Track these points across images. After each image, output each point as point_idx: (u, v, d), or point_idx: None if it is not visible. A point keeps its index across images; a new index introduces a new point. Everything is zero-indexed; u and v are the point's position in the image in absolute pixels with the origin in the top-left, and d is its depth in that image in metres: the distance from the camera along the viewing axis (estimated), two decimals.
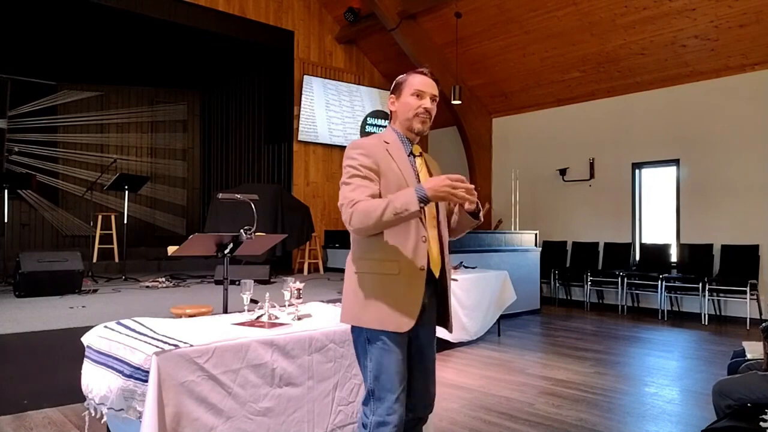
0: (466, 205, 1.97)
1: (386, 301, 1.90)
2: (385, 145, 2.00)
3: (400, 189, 1.89)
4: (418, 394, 2.05)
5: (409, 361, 1.99)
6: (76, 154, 10.06)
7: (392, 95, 2.08)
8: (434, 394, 2.13)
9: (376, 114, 10.36)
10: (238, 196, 3.75)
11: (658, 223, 8.14)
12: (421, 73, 2.05)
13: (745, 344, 2.96)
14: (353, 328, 2.01)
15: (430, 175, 2.08)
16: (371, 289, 1.93)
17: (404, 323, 1.89)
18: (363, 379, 2.00)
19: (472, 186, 1.83)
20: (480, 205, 2.01)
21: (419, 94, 2.02)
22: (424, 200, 1.77)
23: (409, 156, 2.04)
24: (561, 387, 4.14)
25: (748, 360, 2.78)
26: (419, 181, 1.96)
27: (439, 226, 2.05)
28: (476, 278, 5.71)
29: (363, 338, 1.96)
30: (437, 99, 2.07)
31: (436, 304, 2.06)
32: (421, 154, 2.10)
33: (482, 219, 2.07)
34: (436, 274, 2.00)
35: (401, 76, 2.09)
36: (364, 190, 1.89)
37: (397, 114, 2.07)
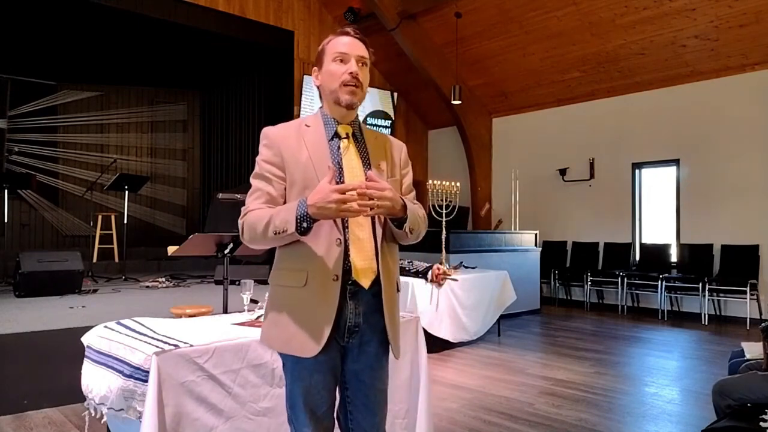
0: (347, 216, 1.53)
1: (292, 319, 1.59)
2: (303, 130, 1.66)
3: (306, 184, 1.59)
4: (361, 430, 1.70)
5: (345, 389, 1.70)
6: (76, 154, 10.06)
7: (315, 67, 1.72)
8: (382, 418, 1.74)
9: (376, 114, 10.36)
10: (238, 196, 3.75)
11: (658, 223, 8.14)
12: (344, 33, 1.68)
13: (744, 345, 2.96)
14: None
15: (364, 159, 1.68)
16: (279, 305, 1.64)
17: (308, 347, 1.57)
18: None
19: (378, 189, 1.49)
20: (406, 212, 1.60)
21: (343, 58, 1.64)
22: (305, 218, 1.48)
23: (331, 139, 1.67)
24: (561, 387, 4.14)
25: (748, 360, 2.78)
26: (341, 170, 1.63)
27: (374, 224, 1.65)
28: (476, 278, 5.71)
29: (282, 359, 1.71)
30: (368, 62, 1.69)
31: (378, 320, 1.65)
32: (348, 136, 1.68)
33: (407, 232, 1.62)
34: (365, 284, 1.61)
35: (322, 43, 1.74)
36: (259, 195, 1.63)
37: (322, 88, 1.70)
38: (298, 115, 9.48)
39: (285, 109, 9.62)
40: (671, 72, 7.65)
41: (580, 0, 7.29)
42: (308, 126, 1.68)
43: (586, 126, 8.73)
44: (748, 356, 2.84)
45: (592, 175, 8.66)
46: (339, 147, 1.67)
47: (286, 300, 1.63)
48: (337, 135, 1.68)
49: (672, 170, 7.89)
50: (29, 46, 8.62)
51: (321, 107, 1.74)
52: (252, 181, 1.67)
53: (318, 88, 1.72)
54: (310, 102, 9.60)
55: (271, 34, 9.22)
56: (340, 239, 1.59)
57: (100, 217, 8.35)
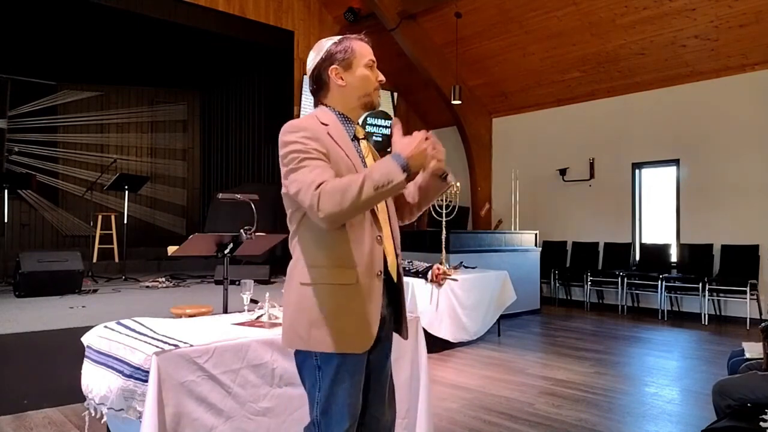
0: (433, 165, 1.61)
1: (343, 317, 1.58)
2: (324, 128, 1.65)
3: None
4: (374, 421, 1.75)
5: (366, 381, 1.72)
6: (76, 154, 10.06)
7: (334, 66, 1.69)
8: (393, 419, 1.81)
9: (376, 114, 10.35)
10: (238, 196, 3.75)
11: (658, 223, 8.14)
12: (364, 40, 1.74)
13: (745, 345, 2.96)
14: (298, 353, 1.68)
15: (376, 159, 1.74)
16: (323, 304, 1.59)
17: (365, 342, 1.60)
18: (309, 406, 1.68)
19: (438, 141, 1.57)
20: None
21: (372, 65, 1.73)
22: (405, 169, 1.48)
23: (352, 140, 1.72)
24: (561, 387, 4.14)
25: (748, 359, 2.78)
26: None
27: (391, 222, 1.74)
28: (476, 278, 5.71)
29: (312, 364, 1.63)
30: None
31: (392, 312, 1.76)
32: (365, 137, 1.78)
33: (451, 182, 1.75)
34: (394, 278, 1.72)
35: (331, 42, 1.73)
36: (323, 170, 1.55)
37: (345, 89, 1.70)
38: (298, 115, 9.47)
39: (285, 109, 9.62)
40: (671, 72, 7.65)
41: (580, 0, 7.29)
42: (326, 124, 1.66)
43: (586, 126, 8.73)
44: (748, 355, 2.84)
45: (592, 175, 8.66)
46: (360, 147, 1.73)
47: (334, 298, 1.60)
48: (354, 136, 1.73)
49: (672, 170, 7.89)
50: (29, 46, 8.62)
51: (327, 106, 1.73)
52: (304, 163, 1.55)
53: (334, 87, 1.71)
54: (310, 102, 9.57)
55: (271, 34, 9.22)
56: (380, 236, 1.65)
57: (100, 217, 8.35)
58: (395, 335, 1.83)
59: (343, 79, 1.70)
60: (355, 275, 1.59)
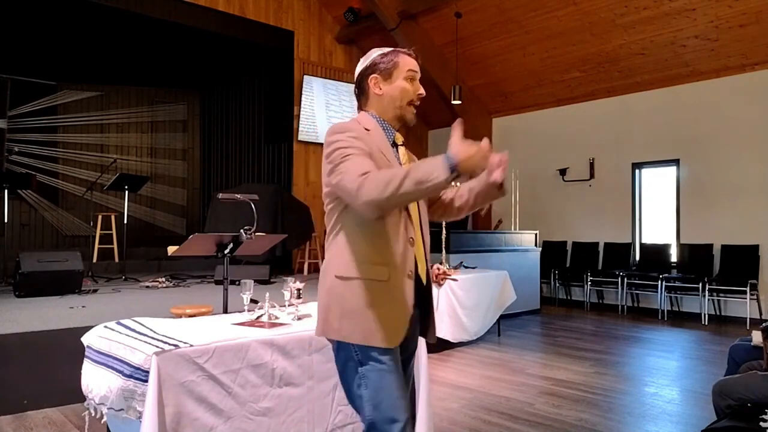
0: (497, 176, 1.62)
1: (376, 311, 1.62)
2: (366, 132, 1.69)
3: None
4: None
5: None
6: (76, 154, 10.06)
7: (375, 75, 1.75)
8: (414, 416, 1.84)
9: None
10: (238, 196, 3.75)
11: (658, 223, 8.14)
12: (408, 54, 1.78)
13: (754, 333, 2.93)
14: (338, 346, 1.69)
15: None
16: (358, 297, 1.63)
17: (394, 337, 1.64)
18: (356, 410, 1.66)
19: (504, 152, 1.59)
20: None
21: (414, 77, 1.77)
22: (453, 170, 1.45)
23: (392, 146, 1.77)
24: (561, 387, 4.14)
25: (755, 346, 2.79)
26: None
27: (422, 227, 1.78)
28: (476, 278, 5.71)
29: (352, 359, 1.65)
30: None
31: (420, 314, 1.79)
32: (403, 144, 1.82)
33: (506, 192, 1.76)
34: (424, 281, 1.76)
35: (378, 52, 1.77)
36: (370, 164, 1.58)
37: (382, 98, 1.75)
38: (298, 115, 9.49)
39: (285, 109, 9.63)
40: (671, 72, 7.65)
41: (580, 0, 7.29)
42: (368, 129, 1.70)
43: (586, 126, 8.73)
44: (754, 342, 2.84)
45: (592, 175, 8.66)
46: (398, 154, 1.77)
47: (368, 292, 1.63)
48: (394, 143, 1.78)
49: (672, 170, 7.89)
50: (29, 46, 8.62)
51: (369, 112, 1.77)
52: (349, 158, 1.58)
53: (372, 95, 1.77)
54: (310, 102, 9.61)
55: (271, 34, 9.22)
56: (412, 239, 1.70)
57: (100, 217, 8.35)
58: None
59: (380, 89, 1.75)
60: (388, 272, 1.64)
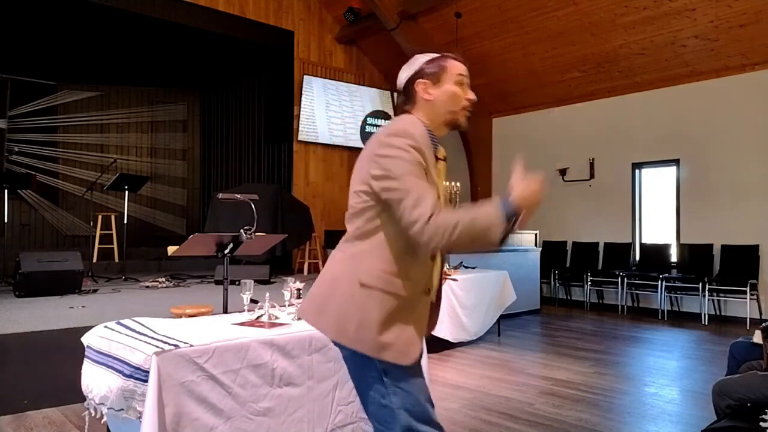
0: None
1: (393, 327, 1.58)
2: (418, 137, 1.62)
3: None
4: None
5: None
6: (76, 154, 10.06)
7: (423, 80, 1.68)
8: None
9: (376, 114, 10.36)
10: (238, 196, 3.75)
11: (658, 223, 8.14)
12: (457, 58, 1.72)
13: (757, 331, 2.93)
14: (358, 366, 1.63)
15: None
16: (376, 309, 1.57)
17: (411, 355, 1.60)
18: (381, 423, 1.60)
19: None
20: None
21: (463, 82, 1.70)
22: (511, 218, 1.44)
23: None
24: (561, 387, 4.14)
25: (754, 344, 2.79)
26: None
27: None
28: (476, 278, 5.71)
29: (373, 368, 1.59)
30: None
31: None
32: (445, 158, 1.75)
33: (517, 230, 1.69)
34: (433, 299, 1.74)
35: (425, 58, 1.72)
36: (432, 194, 1.51)
37: (433, 104, 1.67)
38: (298, 115, 9.49)
39: (285, 109, 9.63)
40: (671, 72, 7.65)
41: (580, 0, 7.29)
42: (420, 136, 1.62)
43: (586, 126, 8.72)
44: (755, 340, 2.84)
45: (592, 175, 8.66)
46: (437, 168, 1.69)
47: (387, 306, 1.58)
48: (435, 156, 1.69)
49: (672, 170, 7.89)
50: (29, 46, 8.63)
51: (418, 118, 1.67)
52: (408, 179, 1.50)
53: (420, 100, 1.69)
54: (310, 102, 9.61)
55: (271, 34, 9.22)
56: (434, 255, 1.67)
57: (100, 217, 8.35)
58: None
59: (430, 94, 1.68)
60: (410, 288, 1.60)
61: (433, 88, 1.68)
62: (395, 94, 10.52)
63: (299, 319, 2.70)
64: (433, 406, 1.63)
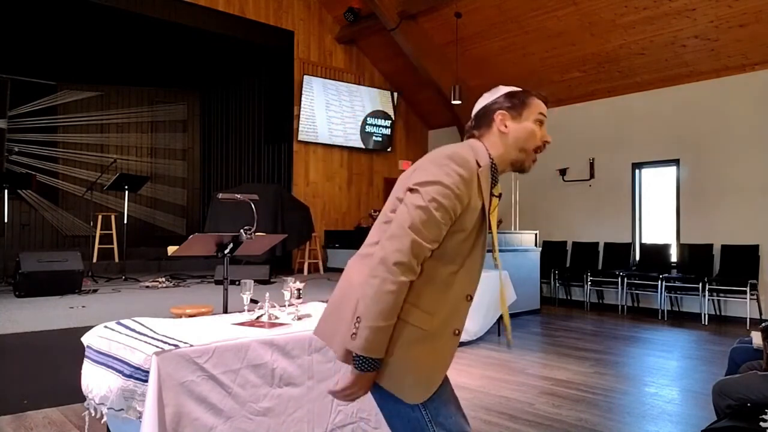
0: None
1: (414, 362, 1.48)
2: (477, 169, 1.49)
3: (479, 233, 1.52)
4: None
5: None
6: (76, 154, 10.06)
7: (503, 111, 1.59)
8: None
9: (376, 114, 10.36)
10: (238, 196, 3.75)
11: (658, 223, 8.14)
12: (541, 96, 1.63)
13: (753, 334, 2.94)
14: (384, 399, 1.53)
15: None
16: (399, 342, 1.46)
17: (430, 388, 1.51)
18: None
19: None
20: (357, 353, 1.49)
21: (543, 121, 1.60)
22: (363, 365, 1.41)
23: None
24: (561, 387, 4.14)
25: (754, 349, 2.79)
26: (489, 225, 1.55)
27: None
28: None
29: (406, 411, 1.51)
30: None
31: None
32: (499, 196, 1.62)
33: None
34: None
35: (511, 90, 1.63)
36: (437, 236, 1.43)
37: (507, 137, 1.57)
38: (298, 115, 9.49)
39: (285, 109, 9.63)
40: (671, 72, 7.65)
41: (580, 0, 7.29)
42: (480, 167, 1.51)
43: (586, 126, 8.73)
44: (754, 341, 2.84)
45: (592, 175, 8.66)
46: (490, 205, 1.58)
47: (408, 339, 1.47)
48: (491, 193, 1.58)
49: (672, 170, 7.89)
50: (29, 46, 8.63)
51: (487, 148, 1.57)
52: (434, 211, 1.41)
53: (495, 130, 1.59)
54: (310, 102, 9.61)
55: (271, 34, 9.23)
56: (470, 296, 1.56)
57: (100, 217, 8.35)
58: None
59: (507, 127, 1.58)
60: (435, 324, 1.49)
61: (511, 122, 1.58)
62: (395, 94, 10.53)
63: (299, 319, 2.70)
64: (462, 413, 1.58)
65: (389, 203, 1.57)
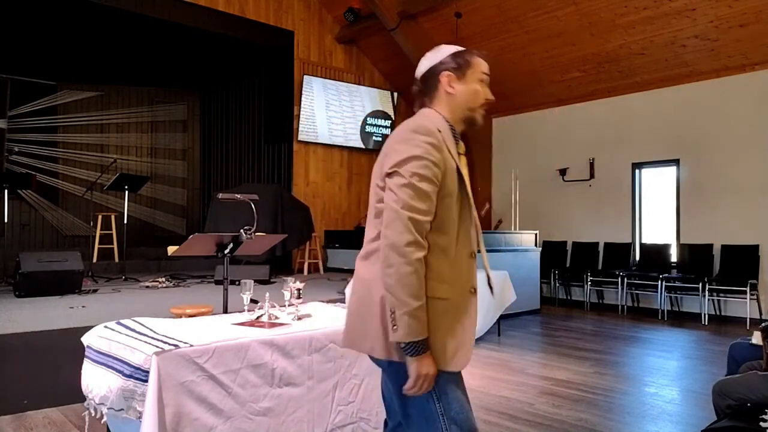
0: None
1: (442, 332, 1.53)
2: (440, 136, 1.55)
3: (462, 195, 1.57)
4: None
5: None
6: (76, 154, 10.06)
7: (448, 72, 1.64)
8: None
9: (376, 114, 10.36)
10: (238, 196, 3.74)
11: (658, 223, 8.14)
12: (484, 56, 1.69)
13: (755, 334, 2.93)
14: (394, 365, 1.55)
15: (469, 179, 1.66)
16: (438, 317, 1.53)
17: (464, 357, 1.57)
18: (424, 427, 1.57)
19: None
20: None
21: (485, 80, 1.68)
22: (413, 350, 1.45)
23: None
24: (561, 387, 4.14)
25: (753, 345, 2.79)
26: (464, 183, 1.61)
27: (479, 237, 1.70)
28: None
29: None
30: None
31: None
32: (464, 153, 1.70)
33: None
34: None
35: (452, 49, 1.67)
36: (430, 207, 1.49)
37: (455, 98, 1.64)
38: (298, 115, 9.49)
39: (285, 109, 9.63)
40: (671, 72, 7.65)
41: (580, 0, 7.29)
42: (440, 131, 1.57)
43: (586, 126, 8.73)
44: (754, 341, 2.84)
45: (592, 175, 8.66)
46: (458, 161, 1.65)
47: (432, 313, 1.51)
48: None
49: (672, 170, 7.89)
50: (29, 46, 8.62)
51: (439, 112, 1.65)
52: (418, 183, 1.47)
53: (442, 93, 1.65)
54: (310, 102, 9.60)
55: (271, 34, 9.22)
56: (473, 252, 1.64)
57: (100, 217, 8.35)
58: None
59: (453, 87, 1.64)
60: (451, 291, 1.55)
61: (456, 83, 1.64)
62: (395, 94, 10.52)
63: (299, 319, 2.70)
64: (472, 412, 1.61)
65: (372, 195, 1.62)
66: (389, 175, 1.52)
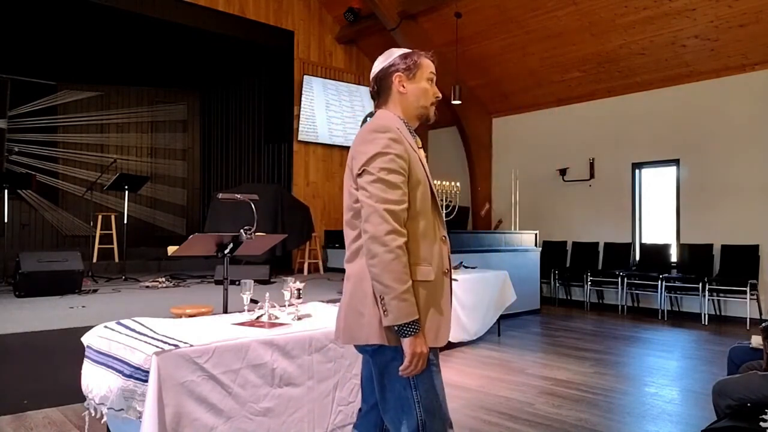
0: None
1: (425, 312, 1.63)
2: (398, 130, 1.70)
3: (427, 186, 1.69)
4: None
5: None
6: (76, 154, 10.06)
7: (399, 73, 1.77)
8: None
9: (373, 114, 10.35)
10: (238, 196, 3.74)
11: (658, 223, 8.14)
12: (429, 57, 1.84)
13: (754, 337, 2.94)
14: (379, 349, 1.66)
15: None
16: (422, 299, 1.64)
17: (446, 336, 1.69)
18: (399, 413, 1.65)
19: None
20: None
21: (433, 80, 1.83)
22: (411, 326, 1.56)
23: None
24: (561, 387, 4.14)
25: (753, 348, 2.79)
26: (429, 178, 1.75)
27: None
28: (476, 278, 5.71)
29: (398, 359, 1.61)
30: None
31: None
32: (421, 147, 1.83)
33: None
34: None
35: (400, 52, 1.81)
36: (402, 196, 1.61)
37: (407, 98, 1.79)
38: (298, 115, 9.49)
39: (285, 109, 9.63)
40: (671, 72, 7.65)
41: (580, 0, 7.29)
42: (398, 128, 1.71)
43: (586, 126, 8.73)
44: (753, 344, 2.84)
45: (592, 175, 8.66)
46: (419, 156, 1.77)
47: (418, 295, 1.63)
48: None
49: (672, 170, 7.89)
50: (29, 46, 8.62)
51: (394, 112, 1.79)
52: (387, 177, 1.60)
53: (395, 93, 1.79)
54: (310, 102, 9.60)
55: (271, 34, 9.22)
56: (444, 237, 1.76)
57: (100, 217, 8.35)
58: None
59: (404, 87, 1.78)
60: (433, 272, 1.67)
61: (407, 82, 1.78)
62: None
63: (299, 319, 2.70)
64: (448, 414, 1.71)
65: (347, 198, 1.74)
66: (359, 175, 1.64)
